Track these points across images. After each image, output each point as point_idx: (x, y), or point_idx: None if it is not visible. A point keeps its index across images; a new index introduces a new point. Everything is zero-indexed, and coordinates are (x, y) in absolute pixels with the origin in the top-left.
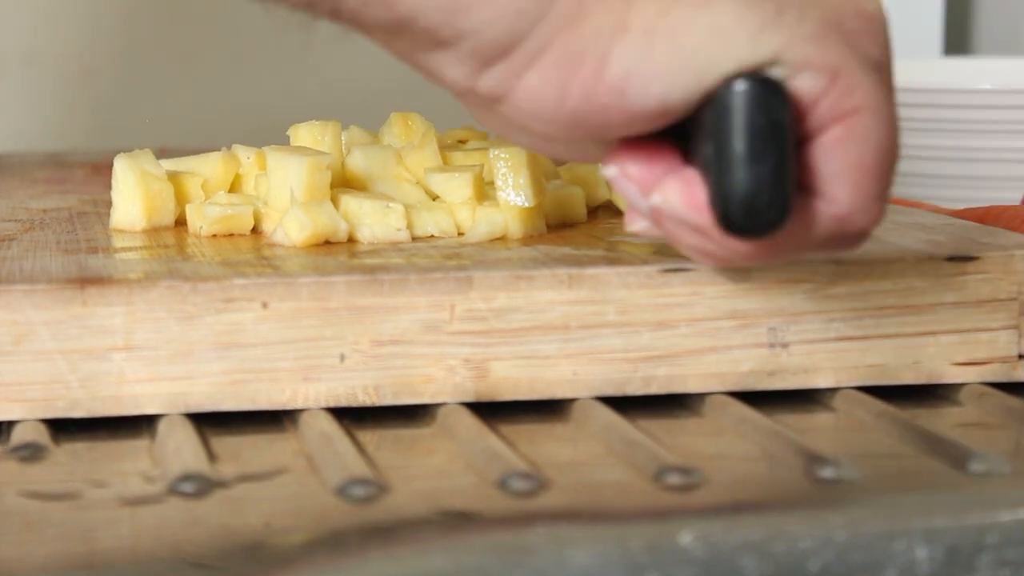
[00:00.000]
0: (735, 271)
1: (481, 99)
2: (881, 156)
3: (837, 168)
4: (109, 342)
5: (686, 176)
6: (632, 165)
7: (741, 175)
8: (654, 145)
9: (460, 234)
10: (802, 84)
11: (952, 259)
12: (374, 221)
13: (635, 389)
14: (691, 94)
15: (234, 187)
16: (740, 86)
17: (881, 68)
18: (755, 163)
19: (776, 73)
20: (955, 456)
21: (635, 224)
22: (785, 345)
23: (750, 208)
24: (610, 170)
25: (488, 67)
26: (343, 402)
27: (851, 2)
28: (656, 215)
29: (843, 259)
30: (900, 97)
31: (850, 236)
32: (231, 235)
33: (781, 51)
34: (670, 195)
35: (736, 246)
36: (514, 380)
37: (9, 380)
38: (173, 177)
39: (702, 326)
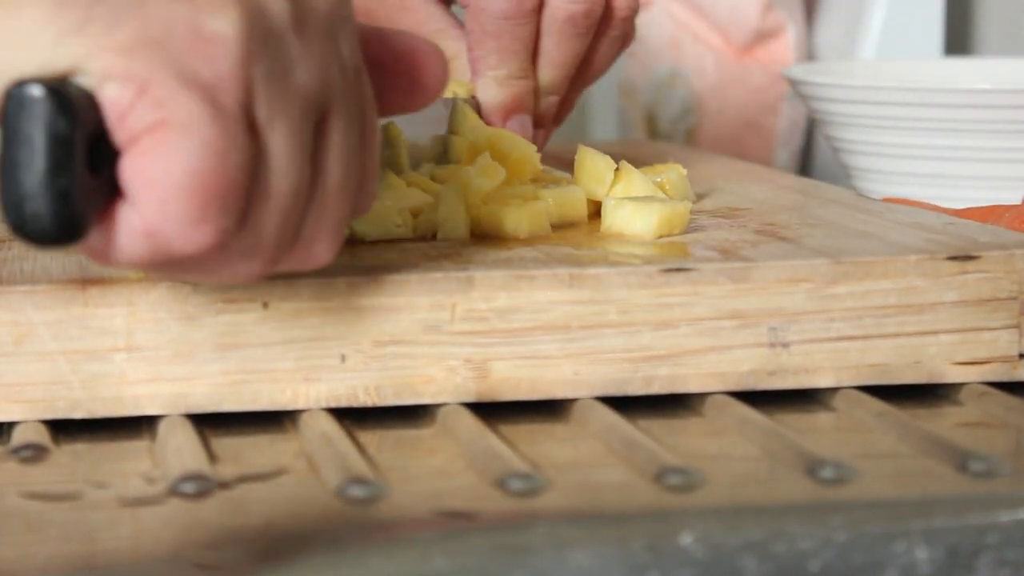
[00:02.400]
0: (735, 270)
1: None
2: (192, 176)
3: (144, 180)
4: (110, 343)
5: None
6: None
7: (17, 180)
8: None
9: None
10: (107, 94)
11: (953, 258)
12: (374, 221)
13: (636, 389)
14: None
15: None
16: (29, 91)
17: (210, 88)
18: (32, 169)
19: (81, 82)
20: (955, 456)
21: None
22: (786, 345)
23: (25, 214)
24: None
25: None
26: (344, 402)
27: (187, 18)
28: None
29: (843, 258)
30: (901, 96)
31: (181, 257)
32: None
33: (83, 60)
34: None
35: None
36: (515, 380)
37: (10, 381)
38: None
39: (703, 326)
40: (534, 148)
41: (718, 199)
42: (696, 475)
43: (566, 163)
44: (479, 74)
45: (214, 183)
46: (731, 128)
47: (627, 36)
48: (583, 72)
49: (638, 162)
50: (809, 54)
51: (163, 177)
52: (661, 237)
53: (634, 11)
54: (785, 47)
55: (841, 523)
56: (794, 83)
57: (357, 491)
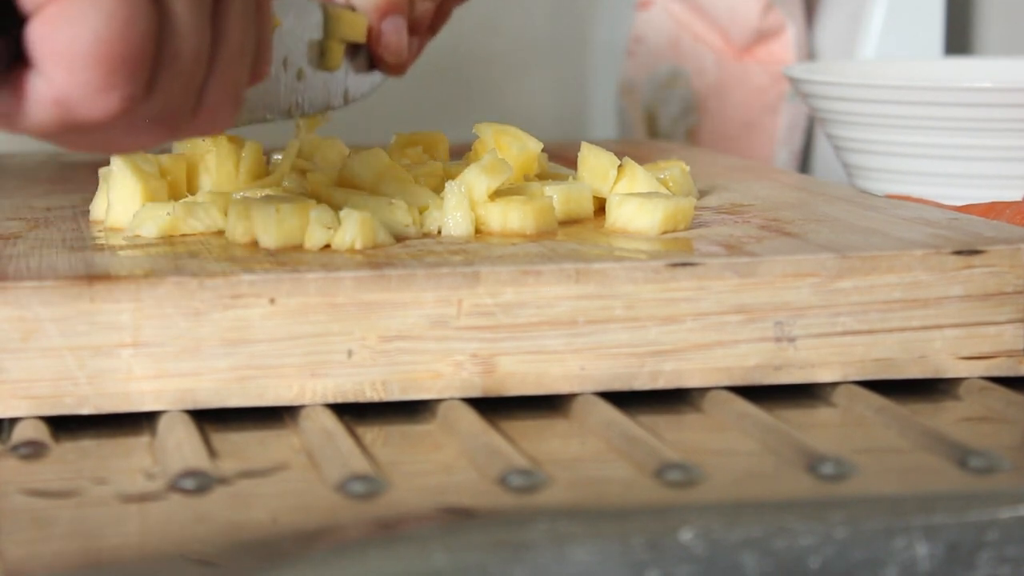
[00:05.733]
0: (741, 265)
1: None
2: (98, 44)
3: (51, 49)
4: (117, 339)
5: None
6: None
7: None
8: None
9: (477, 230)
10: None
11: (958, 253)
12: (380, 218)
13: (642, 384)
14: None
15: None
16: None
17: None
18: None
19: None
20: (956, 452)
21: None
22: (792, 339)
23: None
24: None
25: None
26: (351, 398)
27: None
28: None
29: (849, 253)
30: (901, 95)
31: (87, 125)
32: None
33: None
34: None
35: None
36: (521, 375)
37: (17, 377)
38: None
39: (708, 320)
40: (540, 145)
41: (721, 196)
42: (696, 471)
43: (569, 161)
44: None
45: (121, 49)
46: (731, 128)
47: None
48: None
49: (640, 161)
50: (809, 54)
51: (70, 45)
52: (666, 233)
53: None
54: (785, 47)
55: (841, 519)
56: (794, 82)
57: (357, 487)
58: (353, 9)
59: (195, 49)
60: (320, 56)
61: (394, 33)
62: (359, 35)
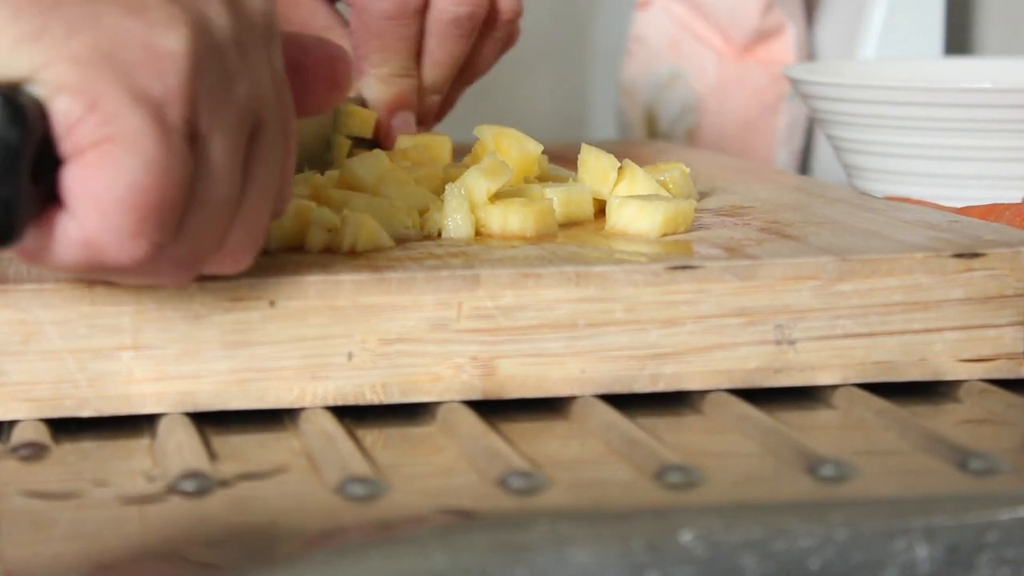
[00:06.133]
0: (741, 267)
1: None
2: (134, 191)
3: (86, 193)
4: (117, 341)
5: None
6: None
7: None
8: None
9: (477, 232)
10: (58, 106)
11: (958, 256)
12: (380, 220)
13: (642, 387)
14: None
15: None
16: None
17: (158, 104)
18: None
19: (33, 91)
20: (956, 454)
21: None
22: (792, 342)
23: None
24: None
25: None
26: (351, 400)
27: (140, 34)
28: None
29: (849, 256)
30: (901, 96)
31: (114, 267)
32: None
33: (38, 69)
34: None
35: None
36: (521, 378)
37: (18, 379)
38: None
39: (709, 323)
40: (540, 147)
41: (721, 198)
42: (696, 473)
43: (569, 163)
44: (363, 72)
45: (155, 198)
46: (731, 128)
47: (511, 38)
48: (465, 72)
49: (639, 162)
50: (809, 54)
51: (106, 191)
52: (666, 235)
53: (518, 14)
54: (785, 47)
55: (841, 521)
56: (794, 82)
57: (357, 489)
58: (363, 103)
59: (226, 195)
60: (326, 150)
61: (403, 128)
62: (367, 130)
